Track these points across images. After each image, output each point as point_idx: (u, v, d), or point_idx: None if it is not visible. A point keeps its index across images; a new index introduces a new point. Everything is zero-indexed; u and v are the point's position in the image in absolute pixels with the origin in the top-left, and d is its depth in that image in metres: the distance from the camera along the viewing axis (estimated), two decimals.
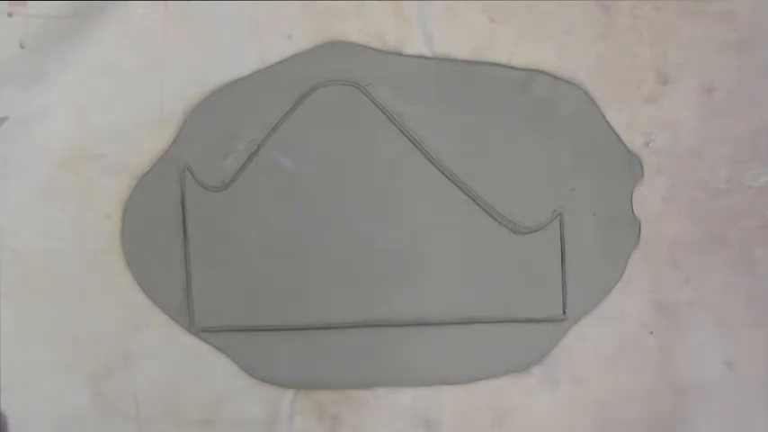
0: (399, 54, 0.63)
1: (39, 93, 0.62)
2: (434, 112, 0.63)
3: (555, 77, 0.63)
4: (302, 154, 0.63)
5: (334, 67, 0.62)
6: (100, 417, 0.63)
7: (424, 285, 0.63)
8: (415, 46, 0.63)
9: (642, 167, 0.64)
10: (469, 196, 0.63)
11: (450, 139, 0.63)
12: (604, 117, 0.63)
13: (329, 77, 0.62)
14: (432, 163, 0.63)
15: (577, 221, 0.63)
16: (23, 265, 0.63)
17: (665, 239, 0.64)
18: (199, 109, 0.62)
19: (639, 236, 0.64)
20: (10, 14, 0.62)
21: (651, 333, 0.64)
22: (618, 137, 0.63)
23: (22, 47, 0.62)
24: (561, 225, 0.63)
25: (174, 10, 0.62)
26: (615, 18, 0.63)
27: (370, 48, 0.63)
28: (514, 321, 0.63)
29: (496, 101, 0.63)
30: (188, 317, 0.63)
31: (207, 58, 0.63)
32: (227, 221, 0.63)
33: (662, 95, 0.64)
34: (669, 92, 0.64)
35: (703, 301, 0.64)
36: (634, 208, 0.64)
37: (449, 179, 0.63)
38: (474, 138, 0.63)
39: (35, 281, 0.63)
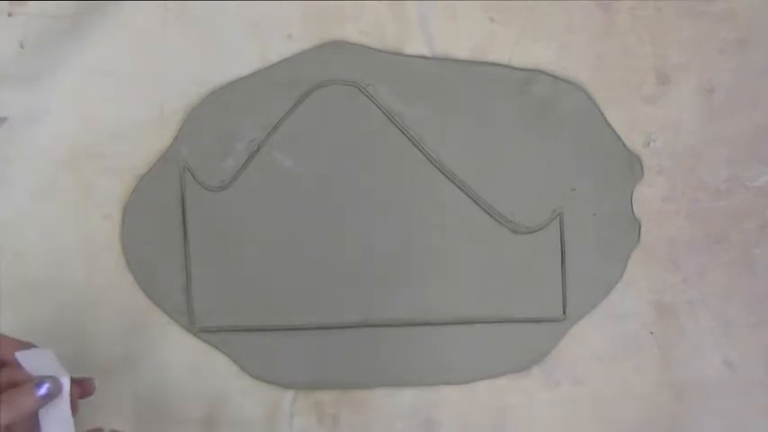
0: (399, 54, 0.63)
1: (39, 93, 0.62)
2: (434, 112, 0.63)
3: (555, 77, 0.63)
4: (302, 154, 0.63)
5: (335, 67, 0.62)
6: (100, 417, 0.63)
7: (424, 285, 0.63)
8: (415, 46, 0.63)
9: (642, 167, 0.64)
10: (469, 196, 0.63)
11: (450, 139, 0.63)
12: (604, 117, 0.63)
13: (329, 77, 0.62)
14: (432, 163, 0.63)
15: (577, 221, 0.63)
16: (24, 265, 0.63)
17: (665, 239, 0.64)
18: (199, 109, 0.62)
19: (639, 236, 0.64)
20: (10, 14, 0.62)
21: (651, 333, 0.64)
22: (618, 137, 0.63)
23: (22, 47, 0.62)
24: (561, 225, 0.63)
25: (174, 10, 0.62)
26: (615, 18, 0.63)
27: (371, 48, 0.63)
28: (514, 321, 0.63)
29: (496, 101, 0.63)
30: (188, 317, 0.62)
31: (207, 58, 0.63)
32: (227, 221, 0.63)
33: (662, 95, 0.64)
34: (669, 92, 0.64)
35: (703, 301, 0.64)
36: (634, 208, 0.64)
37: (449, 179, 0.63)
38: (474, 137, 0.63)
39: (35, 281, 0.63)
